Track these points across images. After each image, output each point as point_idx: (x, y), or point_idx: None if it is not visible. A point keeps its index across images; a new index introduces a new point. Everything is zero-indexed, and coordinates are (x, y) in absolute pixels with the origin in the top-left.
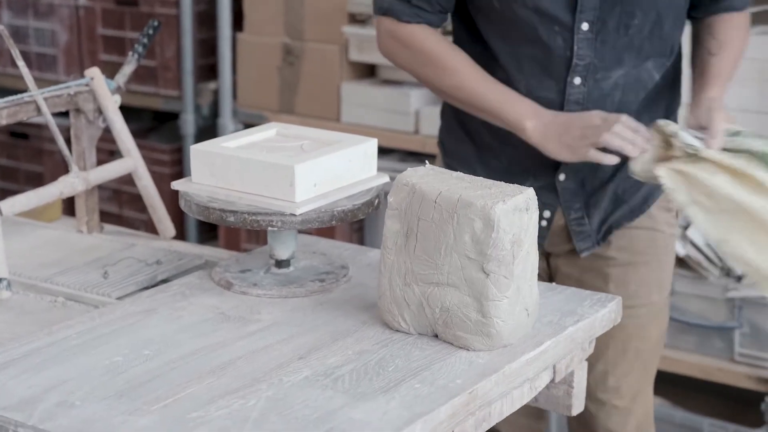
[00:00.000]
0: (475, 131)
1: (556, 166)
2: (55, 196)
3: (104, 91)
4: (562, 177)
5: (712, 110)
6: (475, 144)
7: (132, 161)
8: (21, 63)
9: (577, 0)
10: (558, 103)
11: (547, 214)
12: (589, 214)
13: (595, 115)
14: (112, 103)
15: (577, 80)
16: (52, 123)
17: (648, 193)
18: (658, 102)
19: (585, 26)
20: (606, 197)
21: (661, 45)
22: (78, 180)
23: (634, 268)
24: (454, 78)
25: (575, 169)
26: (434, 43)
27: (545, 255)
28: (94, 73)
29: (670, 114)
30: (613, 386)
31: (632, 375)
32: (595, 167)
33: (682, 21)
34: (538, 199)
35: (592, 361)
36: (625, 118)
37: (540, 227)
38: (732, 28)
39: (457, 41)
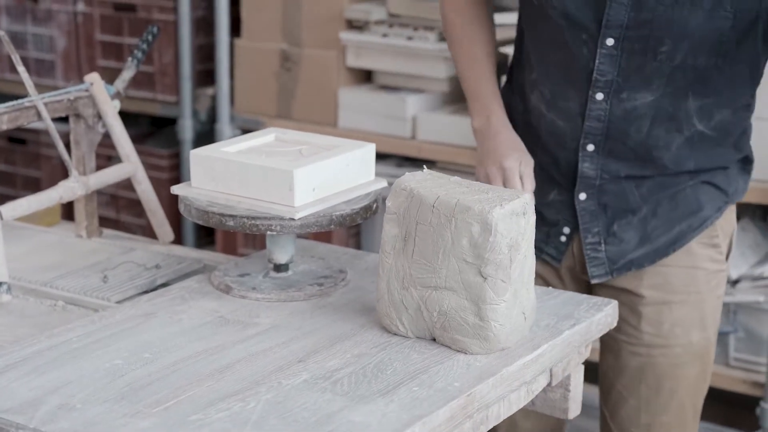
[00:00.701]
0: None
1: (574, 183)
2: (55, 200)
3: (104, 97)
4: (582, 196)
5: None
6: None
7: (131, 166)
8: (21, 68)
9: (603, 12)
10: (579, 115)
11: (566, 230)
12: (606, 241)
13: (501, 175)
14: (111, 109)
15: (600, 96)
16: (53, 128)
17: (678, 235)
18: (706, 155)
19: (610, 41)
20: (631, 229)
21: (700, 81)
22: (78, 185)
23: (669, 307)
24: (455, 49)
25: (599, 191)
26: (463, 6)
27: (587, 285)
28: (93, 78)
29: (728, 179)
30: (645, 423)
31: (667, 414)
32: (623, 191)
33: (729, 60)
34: (559, 214)
35: (626, 396)
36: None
37: (559, 242)
38: None
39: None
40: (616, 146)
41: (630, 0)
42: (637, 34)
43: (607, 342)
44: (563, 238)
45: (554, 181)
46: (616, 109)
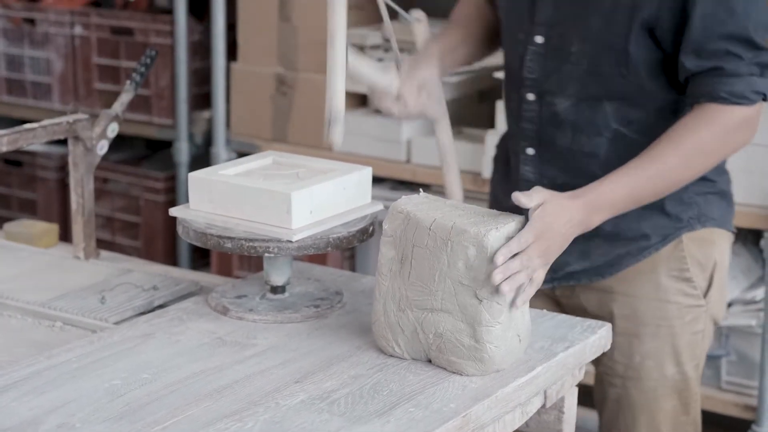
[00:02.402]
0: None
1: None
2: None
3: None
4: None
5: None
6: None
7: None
8: None
9: (534, 8)
10: (519, 117)
11: None
12: None
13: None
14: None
15: (531, 96)
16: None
17: (616, 259)
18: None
19: (539, 39)
20: (574, 242)
21: (609, 87)
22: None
23: (639, 339)
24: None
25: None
26: (458, 9)
27: (556, 303)
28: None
29: (681, 203)
30: None
31: None
32: None
33: (633, 68)
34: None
35: (609, 427)
36: None
37: None
38: (690, 122)
39: None
40: (548, 151)
41: None
42: (557, 32)
43: (595, 371)
44: None
45: (515, 188)
46: (545, 112)
